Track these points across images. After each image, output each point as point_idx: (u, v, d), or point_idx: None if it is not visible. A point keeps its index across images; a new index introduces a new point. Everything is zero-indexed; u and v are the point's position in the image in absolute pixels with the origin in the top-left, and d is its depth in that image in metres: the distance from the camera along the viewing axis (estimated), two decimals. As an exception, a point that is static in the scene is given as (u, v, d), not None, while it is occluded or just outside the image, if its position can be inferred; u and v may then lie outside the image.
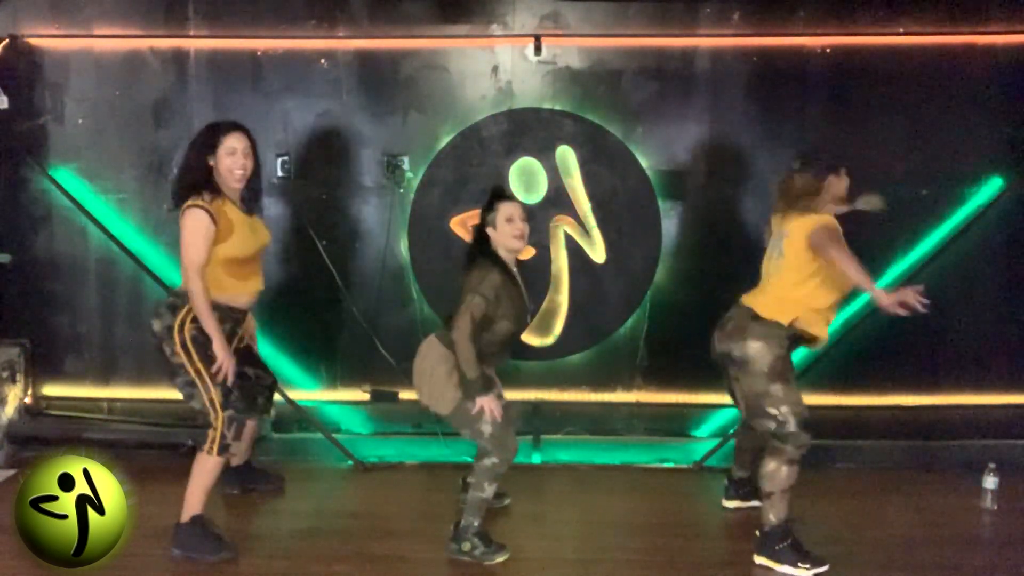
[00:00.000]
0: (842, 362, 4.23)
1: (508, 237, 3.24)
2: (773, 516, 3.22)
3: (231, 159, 3.18)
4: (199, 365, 3.18)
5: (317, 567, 3.24)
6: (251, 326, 3.51)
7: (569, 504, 3.84)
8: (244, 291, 3.29)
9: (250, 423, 3.53)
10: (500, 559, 3.26)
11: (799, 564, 3.18)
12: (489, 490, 3.29)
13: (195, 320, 3.16)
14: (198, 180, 3.16)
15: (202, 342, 3.17)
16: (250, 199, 3.32)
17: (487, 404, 3.19)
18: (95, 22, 4.27)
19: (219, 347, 3.15)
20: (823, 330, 3.32)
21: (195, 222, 3.11)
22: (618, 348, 4.39)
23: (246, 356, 3.41)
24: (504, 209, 3.26)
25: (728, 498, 3.75)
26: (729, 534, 3.56)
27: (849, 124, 4.22)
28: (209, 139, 3.21)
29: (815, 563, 3.19)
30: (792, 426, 3.18)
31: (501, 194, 3.36)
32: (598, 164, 4.24)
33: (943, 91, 4.21)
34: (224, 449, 3.25)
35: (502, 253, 3.30)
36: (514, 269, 3.34)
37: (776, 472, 3.21)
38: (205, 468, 3.26)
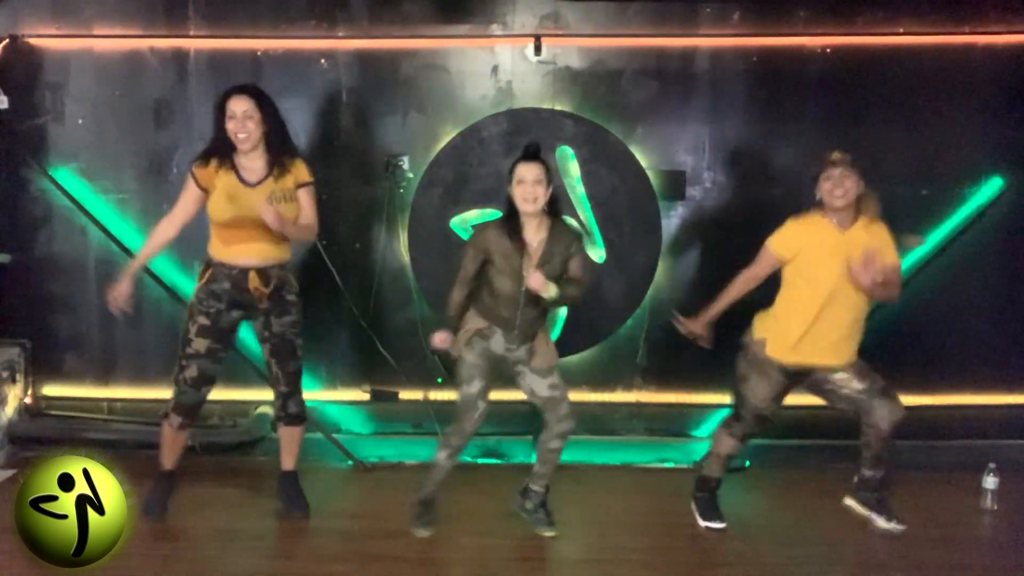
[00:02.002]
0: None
1: (518, 198, 3.23)
2: (706, 472, 3.63)
3: (231, 123, 3.32)
4: (185, 329, 3.45)
5: (317, 567, 3.24)
6: (255, 282, 3.40)
7: (569, 504, 3.83)
8: (229, 253, 3.39)
9: (283, 429, 3.66)
10: (417, 531, 3.45)
11: (703, 515, 3.57)
12: (438, 455, 3.44)
13: (201, 286, 3.42)
14: (213, 147, 3.38)
15: (193, 305, 3.43)
16: (271, 163, 3.39)
17: (437, 337, 3.26)
18: (95, 22, 4.27)
19: (123, 276, 3.40)
20: (784, 353, 3.36)
21: (185, 181, 3.46)
22: (618, 348, 4.39)
23: (275, 350, 3.51)
24: (518, 171, 3.24)
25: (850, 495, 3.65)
26: (729, 534, 3.55)
27: (849, 124, 4.22)
28: (219, 105, 3.37)
29: (714, 518, 3.54)
30: (746, 414, 3.47)
31: (524, 154, 3.30)
32: (598, 164, 4.24)
33: (943, 91, 4.21)
34: (164, 415, 3.52)
35: (521, 214, 3.28)
36: (527, 226, 3.26)
37: (722, 439, 3.56)
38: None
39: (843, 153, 3.28)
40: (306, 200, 3.47)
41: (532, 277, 3.13)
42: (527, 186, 3.20)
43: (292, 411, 3.59)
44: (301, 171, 3.45)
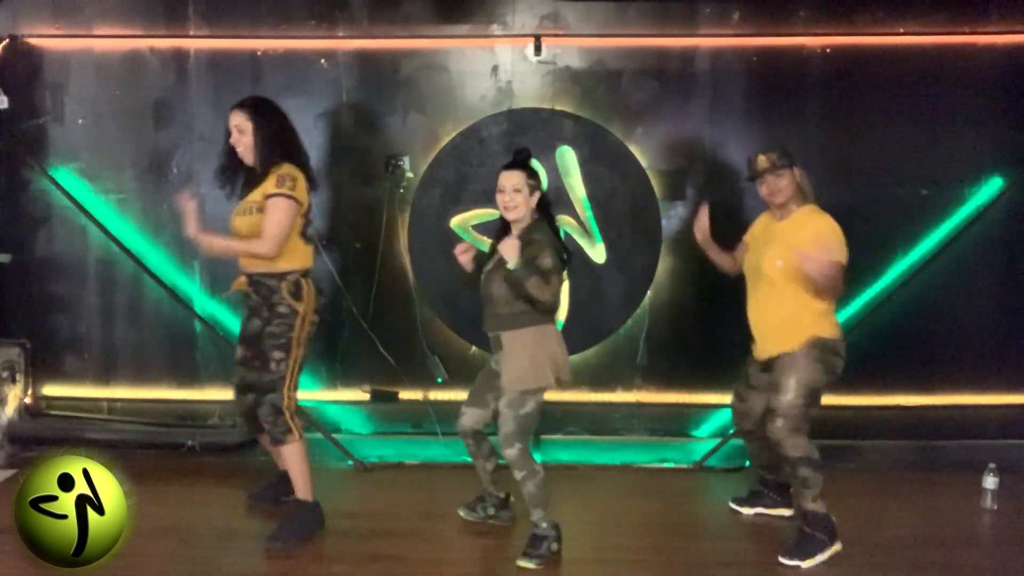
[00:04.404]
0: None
1: (499, 206, 3.28)
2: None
3: (231, 138, 3.32)
4: None
5: (317, 567, 3.23)
6: (240, 285, 3.44)
7: (569, 504, 3.83)
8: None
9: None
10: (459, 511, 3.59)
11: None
12: None
13: None
14: (221, 162, 3.40)
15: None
16: (251, 179, 3.34)
17: (459, 248, 3.37)
18: (95, 22, 4.27)
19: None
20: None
21: None
22: (618, 348, 4.39)
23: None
24: (499, 179, 3.27)
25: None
26: (729, 534, 3.55)
27: (849, 124, 4.22)
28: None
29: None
30: None
31: (508, 162, 3.30)
32: (598, 164, 4.24)
33: (943, 91, 4.21)
34: None
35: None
36: (513, 231, 3.27)
37: None
38: None
39: (767, 153, 3.32)
40: (268, 212, 3.20)
41: (506, 242, 3.12)
42: (505, 195, 3.23)
43: (259, 414, 3.38)
44: (270, 183, 3.22)
